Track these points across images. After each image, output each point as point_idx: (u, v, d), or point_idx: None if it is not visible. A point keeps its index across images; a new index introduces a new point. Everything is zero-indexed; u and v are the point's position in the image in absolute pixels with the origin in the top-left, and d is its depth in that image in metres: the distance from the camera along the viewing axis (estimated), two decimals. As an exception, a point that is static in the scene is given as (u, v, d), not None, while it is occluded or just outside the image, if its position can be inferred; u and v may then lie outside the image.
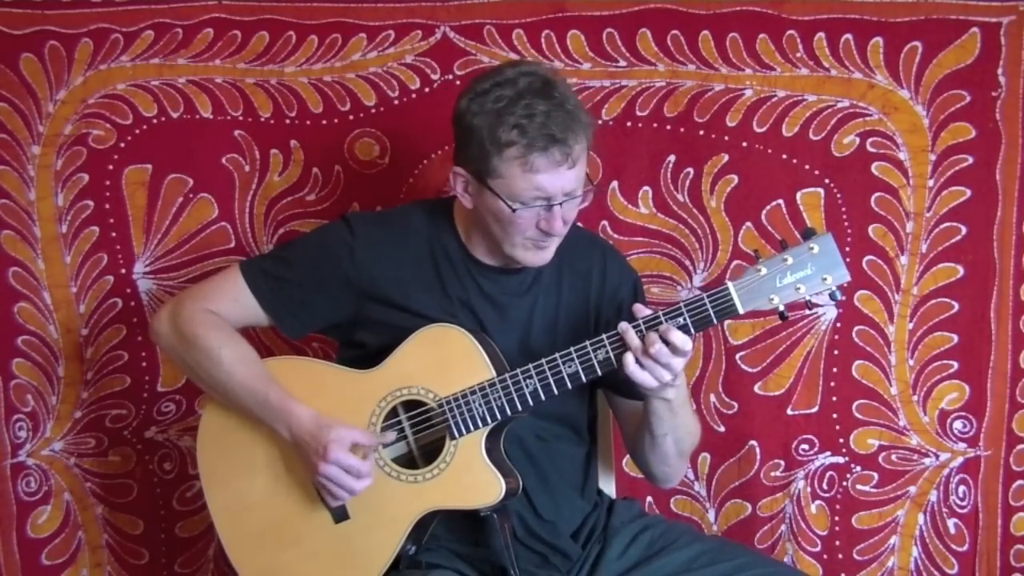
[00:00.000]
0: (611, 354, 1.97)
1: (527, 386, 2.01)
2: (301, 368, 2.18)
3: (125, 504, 2.70)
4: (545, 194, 2.00)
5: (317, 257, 2.15)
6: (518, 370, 2.01)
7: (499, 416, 2.02)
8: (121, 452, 2.69)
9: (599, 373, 1.99)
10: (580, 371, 1.99)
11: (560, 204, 2.02)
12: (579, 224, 2.41)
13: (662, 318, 1.94)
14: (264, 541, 2.15)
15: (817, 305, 2.55)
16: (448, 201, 2.21)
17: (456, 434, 2.04)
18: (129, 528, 2.71)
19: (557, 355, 2.00)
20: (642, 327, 1.94)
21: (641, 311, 1.96)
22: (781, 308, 1.93)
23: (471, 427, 2.03)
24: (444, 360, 2.05)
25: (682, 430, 2.13)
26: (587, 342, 1.99)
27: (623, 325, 1.95)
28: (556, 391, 2.01)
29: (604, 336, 1.98)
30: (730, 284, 1.93)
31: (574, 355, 1.99)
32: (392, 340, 2.08)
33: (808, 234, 1.92)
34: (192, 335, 2.13)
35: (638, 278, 2.30)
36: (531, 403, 2.01)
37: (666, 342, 1.92)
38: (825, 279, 1.91)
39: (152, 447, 2.69)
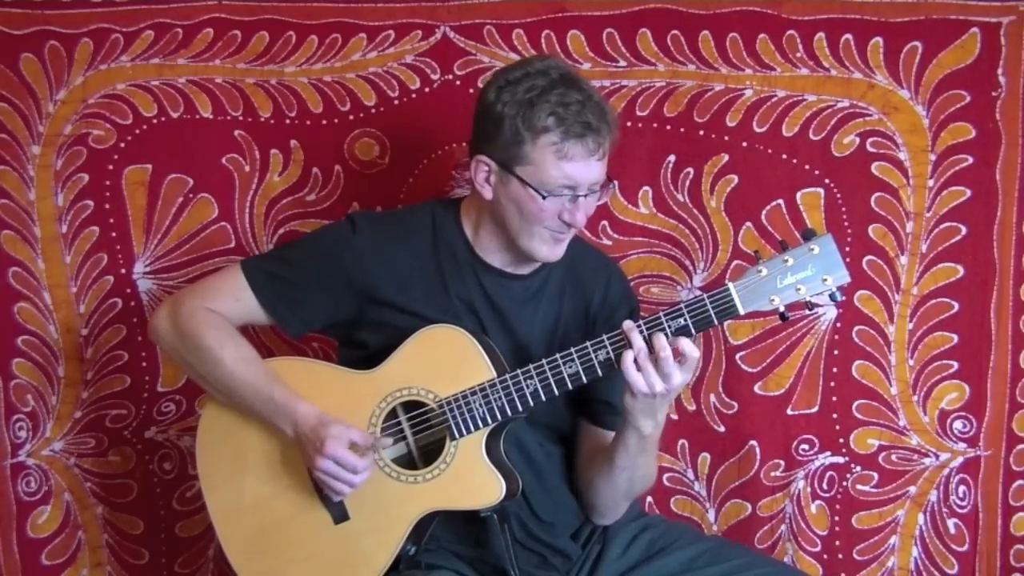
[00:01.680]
0: (611, 354, 1.97)
1: (527, 386, 2.01)
2: (301, 368, 2.18)
3: (125, 504, 2.70)
4: (573, 183, 2.02)
5: (319, 256, 2.15)
6: (518, 370, 2.02)
7: (499, 417, 2.03)
8: (121, 452, 2.69)
9: (599, 373, 1.99)
10: (581, 371, 1.99)
11: (585, 196, 2.04)
12: (588, 235, 2.41)
13: (662, 318, 1.94)
14: (263, 542, 2.15)
15: (817, 305, 2.55)
16: (456, 202, 2.21)
17: (456, 435, 2.04)
18: (129, 528, 2.71)
19: (558, 355, 2.00)
20: (643, 328, 1.95)
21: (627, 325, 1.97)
22: (782, 309, 1.94)
23: (471, 428, 2.04)
24: (444, 361, 2.06)
25: (641, 470, 2.13)
26: (588, 343, 1.99)
27: (628, 324, 1.95)
28: (556, 391, 2.01)
29: (605, 337, 1.98)
30: (731, 285, 1.93)
31: (575, 355, 1.99)
32: (393, 340, 2.09)
33: (808, 235, 1.93)
34: (193, 334, 2.13)
35: (637, 306, 2.31)
36: (531, 403, 2.02)
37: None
38: (825, 280, 1.92)
39: (152, 447, 2.69)
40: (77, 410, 2.66)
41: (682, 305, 1.94)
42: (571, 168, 2.01)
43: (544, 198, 2.02)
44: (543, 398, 2.02)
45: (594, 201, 2.09)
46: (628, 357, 1.94)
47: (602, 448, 2.15)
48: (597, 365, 1.99)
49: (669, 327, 1.95)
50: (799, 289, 1.92)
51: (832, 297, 1.94)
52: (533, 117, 1.99)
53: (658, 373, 1.93)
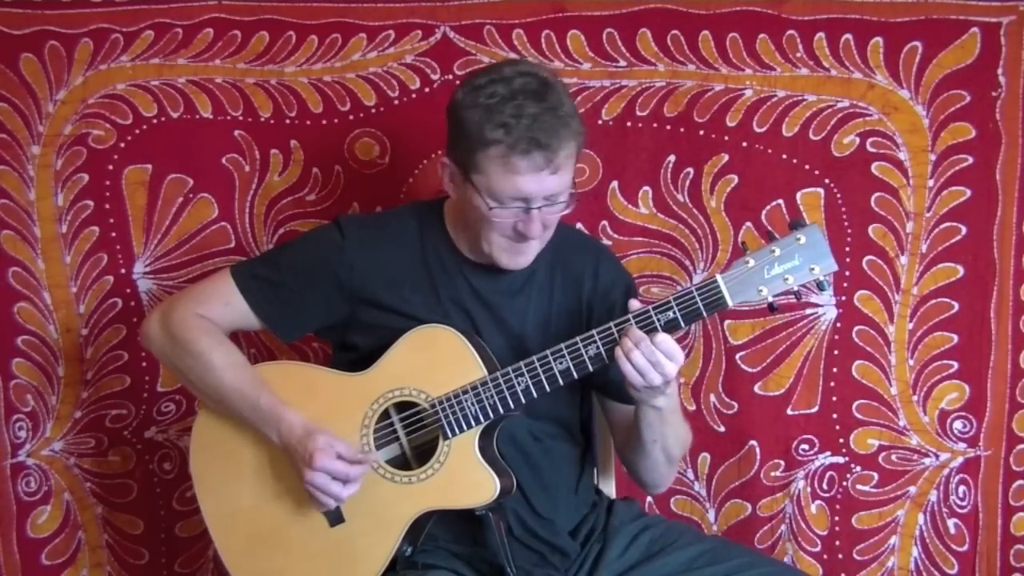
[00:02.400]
0: (602, 350, 1.98)
1: (519, 384, 2.01)
2: (293, 373, 2.19)
3: (125, 504, 2.71)
4: (523, 196, 1.99)
5: (308, 260, 2.15)
6: (509, 368, 2.02)
7: (491, 415, 2.03)
8: (121, 452, 2.69)
9: (590, 369, 2.00)
10: (571, 368, 1.99)
11: (539, 208, 2.02)
12: (578, 226, 2.42)
13: (652, 312, 1.95)
14: (259, 546, 2.15)
15: (811, 304, 2.56)
16: (440, 202, 2.21)
17: (449, 434, 2.04)
18: (129, 528, 2.71)
19: (548, 352, 2.00)
20: (632, 322, 1.95)
21: (633, 305, 1.97)
22: (770, 299, 1.94)
23: (464, 427, 2.04)
24: (435, 361, 2.06)
25: (671, 439, 2.13)
26: (577, 338, 1.99)
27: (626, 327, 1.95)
28: (548, 388, 2.01)
29: (595, 332, 1.98)
30: (719, 277, 1.94)
31: (565, 352, 1.99)
32: (384, 342, 2.09)
33: (796, 225, 1.94)
34: (183, 339, 2.13)
35: (631, 281, 2.31)
36: (523, 401, 2.02)
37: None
38: (813, 269, 1.93)
39: (152, 447, 2.69)
40: (77, 410, 2.67)
41: (671, 298, 1.95)
42: (519, 181, 1.98)
43: (491, 208, 2.01)
44: (534, 395, 2.02)
45: (554, 212, 2.05)
46: (620, 355, 1.95)
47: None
48: (587, 361, 1.99)
49: (658, 320, 1.95)
50: (787, 279, 1.93)
51: (820, 286, 1.96)
52: (484, 127, 1.97)
53: (649, 362, 1.94)
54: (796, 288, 1.94)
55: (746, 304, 1.99)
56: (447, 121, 2.08)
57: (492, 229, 2.04)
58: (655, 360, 1.94)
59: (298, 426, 2.06)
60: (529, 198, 2.00)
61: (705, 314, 1.95)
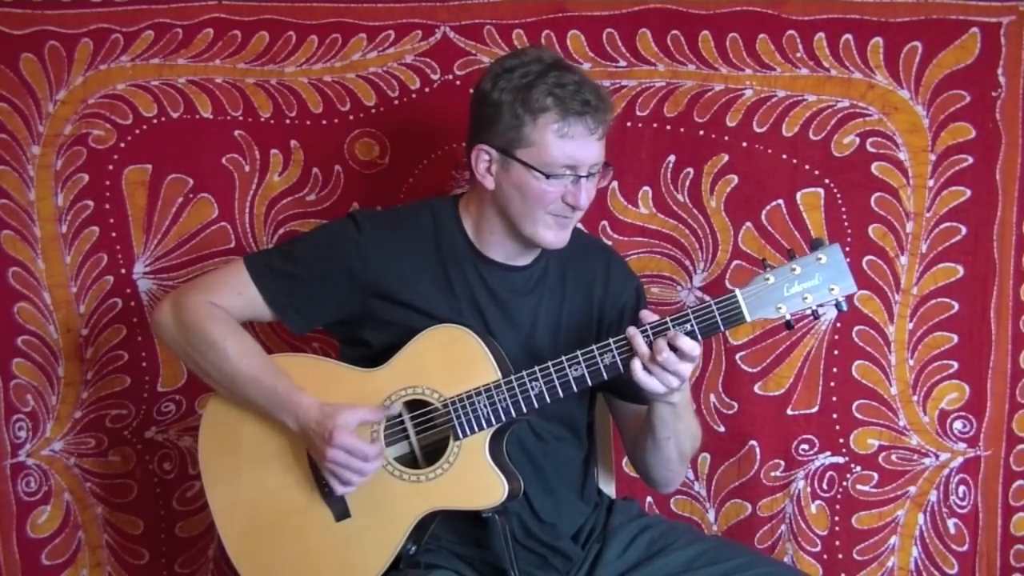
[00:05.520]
0: (618, 359, 1.97)
1: (533, 388, 2.01)
2: (308, 365, 2.18)
3: (125, 504, 2.70)
4: (574, 163, 2.03)
5: (323, 253, 2.15)
6: (524, 372, 2.02)
7: (504, 418, 2.03)
8: (121, 452, 2.68)
9: (605, 377, 1.99)
10: (586, 375, 1.99)
11: (586, 177, 2.05)
12: (585, 230, 2.42)
13: (669, 324, 1.94)
14: (264, 538, 2.15)
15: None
16: (454, 199, 2.21)
17: (460, 435, 2.04)
18: (129, 528, 2.71)
19: (563, 358, 2.00)
20: (649, 333, 1.95)
21: (648, 317, 1.97)
22: (788, 317, 1.94)
23: (475, 428, 2.03)
24: (450, 361, 2.06)
25: (684, 434, 2.13)
26: (594, 346, 1.99)
27: (631, 330, 1.95)
28: (562, 394, 2.01)
29: (611, 341, 1.98)
30: (738, 292, 1.93)
31: (580, 359, 1.99)
32: (397, 338, 2.08)
33: (816, 244, 1.94)
34: (197, 327, 2.12)
35: (641, 284, 2.31)
36: (536, 406, 2.02)
37: (674, 348, 1.93)
38: (832, 289, 1.93)
39: (152, 447, 2.69)
40: (77, 410, 2.66)
41: (689, 311, 1.94)
42: (572, 147, 2.02)
43: (547, 177, 2.03)
44: (548, 400, 2.01)
45: (595, 184, 2.09)
46: (638, 366, 1.95)
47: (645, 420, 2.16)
48: (603, 369, 1.99)
49: (676, 332, 1.94)
50: (806, 298, 1.93)
51: (838, 307, 1.95)
52: (531, 99, 2.01)
53: (668, 372, 1.94)
54: (814, 307, 1.94)
55: (763, 321, 1.99)
56: (476, 112, 2.10)
57: (539, 205, 2.06)
58: (674, 369, 1.94)
59: (315, 408, 2.06)
60: (578, 165, 2.04)
61: (723, 328, 1.95)
